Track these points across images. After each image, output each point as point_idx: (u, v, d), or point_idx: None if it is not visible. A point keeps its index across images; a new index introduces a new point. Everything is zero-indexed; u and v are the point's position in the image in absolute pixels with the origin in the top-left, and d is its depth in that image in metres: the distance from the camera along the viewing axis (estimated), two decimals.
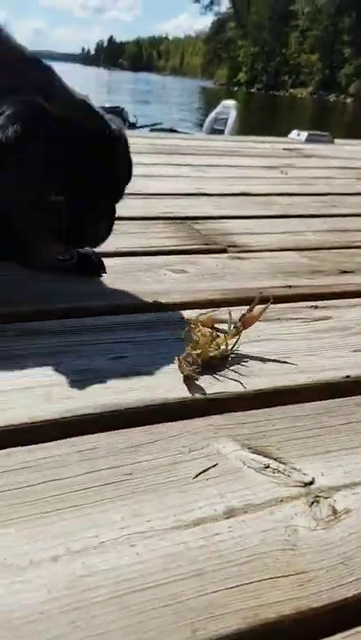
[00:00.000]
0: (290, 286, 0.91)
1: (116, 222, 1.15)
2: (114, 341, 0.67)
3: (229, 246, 1.09)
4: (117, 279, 0.87)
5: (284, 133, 3.28)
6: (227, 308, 0.78)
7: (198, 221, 1.24)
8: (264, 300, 0.69)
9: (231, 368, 0.63)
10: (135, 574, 0.37)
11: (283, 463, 0.49)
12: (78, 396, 0.56)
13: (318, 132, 3.06)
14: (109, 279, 0.86)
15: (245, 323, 0.67)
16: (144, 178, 1.63)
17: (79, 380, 0.58)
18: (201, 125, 8.36)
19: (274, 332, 0.73)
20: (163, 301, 0.80)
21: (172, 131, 9.44)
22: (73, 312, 0.74)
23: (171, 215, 1.26)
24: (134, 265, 0.93)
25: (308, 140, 2.99)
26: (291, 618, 0.36)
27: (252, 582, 0.38)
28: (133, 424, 0.53)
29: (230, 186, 1.65)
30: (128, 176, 0.81)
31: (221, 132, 7.75)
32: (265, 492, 0.46)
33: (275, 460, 0.50)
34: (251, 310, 0.68)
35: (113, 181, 0.75)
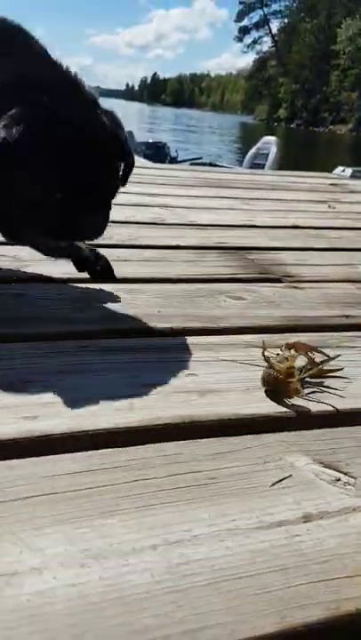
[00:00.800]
0: (347, 316, 0.94)
1: (173, 250, 1.21)
2: (184, 360, 0.72)
3: (284, 276, 1.13)
4: (180, 303, 0.92)
5: (325, 168, 3.33)
6: (284, 334, 0.82)
7: (252, 252, 1.28)
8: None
9: (303, 392, 0.67)
10: (227, 565, 0.41)
11: (352, 477, 0.53)
12: (158, 406, 0.60)
13: None
14: (172, 303, 0.91)
15: (321, 373, 0.70)
16: (194, 209, 1.70)
17: (156, 393, 0.63)
18: (241, 161, 8.50)
19: (337, 360, 0.77)
20: (223, 325, 0.85)
21: (211, 165, 9.61)
22: (145, 332, 0.79)
23: (225, 245, 1.31)
24: (194, 291, 0.98)
25: (354, 176, 3.04)
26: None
27: (333, 579, 0.41)
28: (209, 435, 0.57)
29: (280, 218, 1.71)
30: (130, 166, 0.81)
31: (262, 166, 7.87)
32: (338, 502, 0.49)
33: (344, 474, 0.53)
34: (322, 363, 0.71)
35: (109, 178, 0.77)
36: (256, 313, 0.92)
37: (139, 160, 4.33)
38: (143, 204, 1.70)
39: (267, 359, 0.66)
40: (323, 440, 0.58)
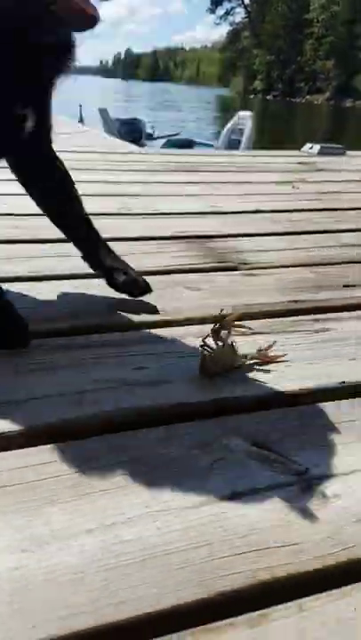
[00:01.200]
0: (296, 301, 0.99)
1: (136, 242, 1.24)
2: (138, 354, 0.76)
3: (241, 264, 1.18)
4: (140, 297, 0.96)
5: (302, 141, 3.36)
6: (240, 322, 0.87)
7: (213, 240, 1.33)
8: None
9: (242, 376, 0.72)
10: (156, 543, 0.46)
11: (282, 456, 0.58)
12: (105, 400, 0.65)
13: (331, 145, 3.14)
14: (122, 296, 0.96)
15: (262, 358, 0.75)
16: (162, 197, 1.73)
17: (105, 388, 0.68)
18: (218, 135, 8.49)
19: (280, 344, 0.82)
20: (180, 317, 0.89)
21: (189, 141, 9.56)
22: (100, 329, 0.83)
23: (187, 234, 1.35)
24: (154, 284, 1.02)
25: (321, 153, 3.07)
26: (283, 579, 0.44)
27: (252, 551, 0.46)
28: (154, 424, 0.62)
29: (244, 203, 1.74)
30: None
31: (238, 142, 7.86)
32: (264, 479, 0.54)
33: (275, 453, 0.58)
34: (268, 349, 0.76)
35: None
36: (211, 303, 0.96)
37: (114, 142, 4.22)
38: (111, 193, 1.73)
39: (203, 349, 0.71)
40: (258, 422, 0.63)
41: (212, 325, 0.80)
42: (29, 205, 0.95)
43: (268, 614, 0.41)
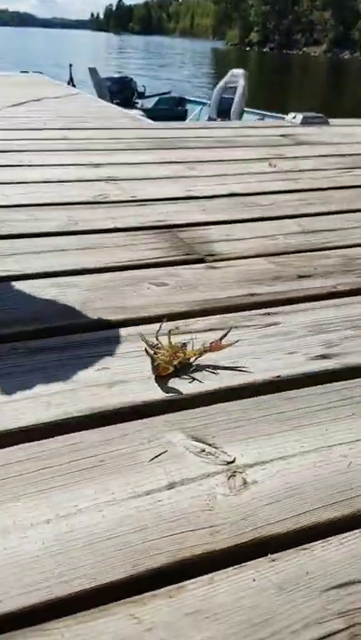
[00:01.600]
0: (252, 294, 1.08)
1: (110, 234, 1.32)
2: (101, 355, 0.86)
3: (207, 255, 1.26)
4: (107, 295, 1.05)
5: (298, 98, 3.36)
6: (194, 319, 0.96)
7: (184, 229, 1.40)
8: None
9: (189, 374, 0.81)
10: (100, 529, 0.56)
11: (215, 447, 0.68)
12: (70, 402, 0.75)
13: (313, 114, 3.16)
14: (99, 295, 1.05)
15: (213, 348, 0.84)
16: (138, 181, 1.79)
17: (71, 389, 0.77)
18: (212, 92, 8.38)
19: (228, 339, 0.91)
20: (143, 315, 0.98)
21: (181, 99, 9.43)
22: (67, 329, 0.92)
23: (159, 224, 1.43)
24: (121, 280, 1.11)
25: (305, 123, 3.10)
26: (201, 556, 0.55)
27: (179, 533, 0.57)
28: (112, 422, 0.72)
29: (219, 185, 1.81)
30: None
31: (230, 100, 7.79)
32: (198, 470, 0.65)
33: (209, 445, 0.68)
34: (221, 339, 0.85)
35: None
36: (175, 299, 1.05)
37: (103, 109, 4.14)
38: (88, 178, 1.80)
39: (150, 348, 0.80)
40: (199, 417, 0.73)
41: (173, 322, 0.90)
42: None
43: (184, 586, 0.52)
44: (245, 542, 0.56)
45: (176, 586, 0.52)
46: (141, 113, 8.58)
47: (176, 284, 1.11)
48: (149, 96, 9.68)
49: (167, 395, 0.77)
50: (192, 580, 0.52)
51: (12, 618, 0.48)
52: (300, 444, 0.69)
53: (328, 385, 0.81)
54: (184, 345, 0.84)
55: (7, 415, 0.72)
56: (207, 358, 0.85)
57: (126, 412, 0.74)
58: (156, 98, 9.64)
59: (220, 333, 0.88)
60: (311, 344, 0.91)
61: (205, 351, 0.85)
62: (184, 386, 0.79)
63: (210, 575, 0.53)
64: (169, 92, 9.75)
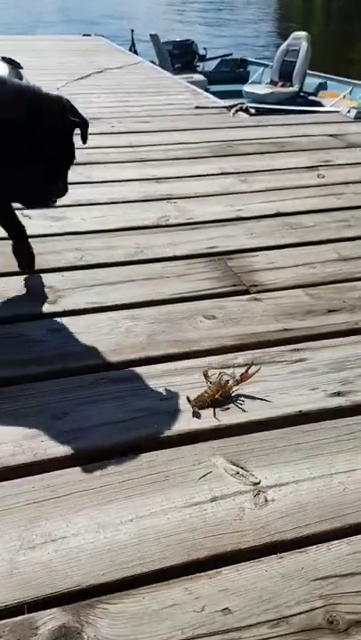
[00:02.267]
0: (285, 329, 1.32)
1: (169, 262, 1.56)
2: (162, 386, 1.13)
3: (251, 286, 1.50)
4: (167, 327, 1.31)
5: None
6: (234, 353, 1.22)
7: (233, 257, 1.64)
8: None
9: (227, 407, 1.07)
10: (164, 529, 0.84)
11: (246, 471, 0.94)
12: (141, 426, 1.02)
13: None
14: (161, 328, 1.30)
15: (242, 380, 1.10)
16: (195, 199, 2.02)
17: (140, 416, 1.05)
18: (274, 54, 8.29)
19: (263, 374, 1.16)
20: (197, 349, 1.24)
21: (243, 61, 9.37)
22: (139, 362, 1.19)
23: (212, 251, 1.66)
24: (178, 313, 1.36)
25: (358, 118, 3.21)
26: (232, 552, 0.82)
27: (217, 534, 0.84)
28: (166, 447, 0.99)
29: (266, 204, 2.02)
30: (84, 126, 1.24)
31: (293, 64, 7.75)
32: (233, 488, 0.91)
33: (242, 468, 0.95)
34: (247, 372, 1.11)
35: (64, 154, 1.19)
36: (220, 333, 1.30)
37: (165, 80, 4.25)
38: (150, 196, 2.04)
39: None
40: (236, 444, 0.99)
41: (218, 357, 1.16)
42: None
43: (220, 571, 0.79)
44: (262, 544, 0.83)
45: (214, 571, 0.79)
46: (202, 78, 8.62)
47: (223, 317, 1.36)
48: (211, 58, 9.63)
49: (209, 425, 1.04)
50: (225, 568, 0.79)
51: (111, 585, 0.77)
52: (311, 471, 0.95)
53: (339, 420, 1.06)
54: (227, 381, 1.10)
55: (97, 436, 1.00)
56: (243, 392, 1.11)
57: (176, 439, 1.01)
58: (218, 60, 9.59)
59: (254, 368, 1.13)
60: (330, 381, 1.15)
61: (237, 383, 1.10)
62: (223, 417, 1.05)
63: (236, 565, 0.80)
64: (230, 54, 9.67)
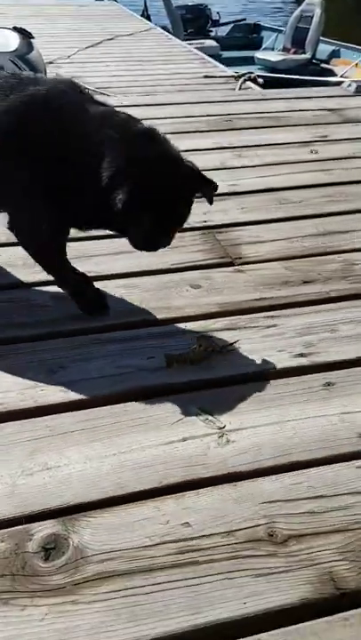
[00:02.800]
0: (262, 298, 1.47)
1: None
2: (148, 347, 1.29)
3: (237, 258, 1.65)
4: (158, 295, 1.47)
5: None
6: (215, 319, 1.37)
7: (222, 230, 1.78)
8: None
9: (203, 366, 1.24)
10: (143, 460, 1.02)
11: (214, 417, 1.11)
12: (129, 381, 1.19)
13: None
14: (154, 295, 1.46)
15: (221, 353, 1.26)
16: None
17: (128, 372, 1.22)
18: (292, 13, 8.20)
19: (236, 337, 1.32)
20: (182, 315, 1.40)
21: (256, 26, 9.27)
22: (129, 324, 1.36)
23: (204, 225, 1.81)
24: (168, 282, 1.52)
25: (359, 92, 3.28)
26: (196, 480, 0.99)
27: (185, 467, 1.01)
28: (153, 396, 1.16)
29: (260, 178, 2.15)
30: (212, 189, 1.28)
31: (306, 30, 7.69)
32: (201, 431, 1.08)
33: (211, 415, 1.11)
34: (229, 346, 1.27)
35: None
36: (204, 301, 1.46)
37: (174, 48, 4.31)
38: None
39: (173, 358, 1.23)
40: (207, 396, 1.16)
41: (202, 322, 1.32)
42: None
43: (184, 494, 0.96)
44: (221, 475, 1.00)
45: (180, 494, 0.97)
46: (214, 44, 8.55)
47: (208, 287, 1.51)
48: (224, 23, 9.53)
49: (190, 379, 1.20)
50: (188, 492, 0.97)
51: (94, 503, 0.95)
52: (268, 418, 1.12)
53: (299, 377, 1.22)
54: (207, 347, 1.26)
55: (89, 388, 1.17)
56: (218, 354, 1.27)
57: (161, 390, 1.18)
58: (231, 25, 9.48)
59: (230, 333, 1.30)
60: (296, 344, 1.31)
61: (215, 351, 1.26)
62: (199, 374, 1.22)
63: (198, 490, 0.97)
64: (244, 19, 9.57)
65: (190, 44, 7.67)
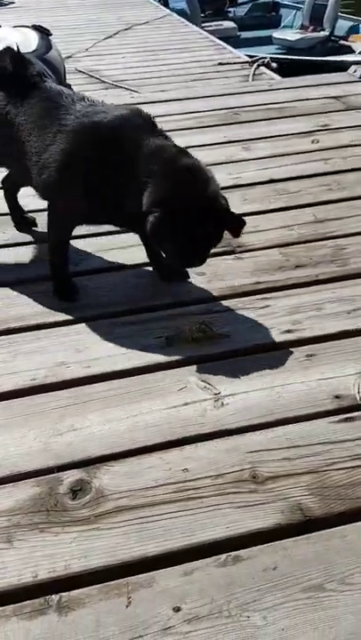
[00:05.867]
0: (258, 282, 1.67)
1: None
2: (157, 328, 1.50)
3: (237, 246, 1.84)
4: (165, 283, 1.67)
5: None
6: (216, 302, 1.58)
7: None
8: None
9: (202, 343, 1.44)
10: (153, 420, 1.24)
11: (211, 385, 1.32)
12: (137, 357, 1.41)
13: None
14: (161, 283, 1.67)
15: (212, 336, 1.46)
16: None
17: (142, 349, 1.43)
18: None
19: (235, 318, 1.52)
20: (186, 299, 1.61)
21: (275, 4, 9.28)
22: (145, 308, 1.57)
23: None
24: None
25: None
26: (194, 437, 1.21)
27: (185, 425, 1.23)
28: (160, 369, 1.37)
29: (264, 170, 2.32)
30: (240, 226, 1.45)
31: (323, 7, 7.73)
32: (200, 396, 1.30)
33: (208, 384, 1.33)
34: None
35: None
36: (207, 287, 1.66)
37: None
38: None
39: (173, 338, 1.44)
40: (206, 368, 1.37)
41: (200, 305, 1.52)
42: None
43: (184, 447, 1.18)
44: (215, 431, 1.22)
45: (180, 447, 1.18)
46: (232, 25, 8.60)
47: (211, 274, 1.71)
48: (242, 3, 9.55)
49: (188, 355, 1.41)
50: (187, 445, 1.19)
51: (112, 455, 1.17)
52: (258, 384, 1.32)
53: (285, 350, 1.42)
54: (204, 329, 1.46)
55: (106, 363, 1.39)
56: (217, 331, 1.47)
57: (165, 365, 1.39)
58: (250, 4, 9.50)
59: (229, 313, 1.50)
60: (285, 322, 1.51)
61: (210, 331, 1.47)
62: (199, 349, 1.43)
63: (195, 444, 1.19)
64: None
65: (208, 26, 7.72)
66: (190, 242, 1.39)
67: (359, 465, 1.12)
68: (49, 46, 4.80)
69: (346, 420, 1.22)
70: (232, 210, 1.46)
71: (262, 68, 4.60)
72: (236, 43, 6.89)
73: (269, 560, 0.98)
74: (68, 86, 2.49)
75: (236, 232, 1.45)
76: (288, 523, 1.03)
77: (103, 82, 4.52)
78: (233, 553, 0.99)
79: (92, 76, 4.69)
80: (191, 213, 1.36)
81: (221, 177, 2.28)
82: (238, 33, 8.12)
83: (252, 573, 0.96)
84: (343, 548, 0.99)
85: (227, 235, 1.88)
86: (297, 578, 0.95)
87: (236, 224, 1.45)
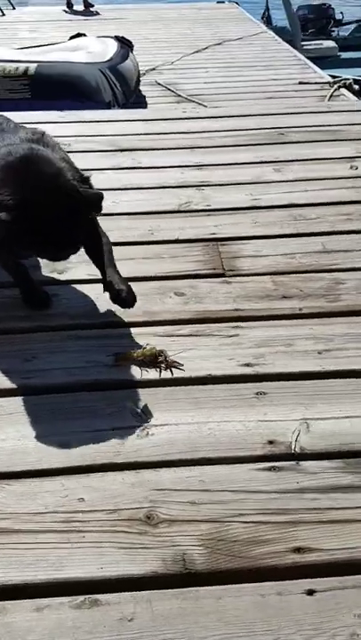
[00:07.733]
0: (236, 309, 1.58)
1: (172, 245, 1.84)
2: (112, 345, 1.45)
3: (228, 270, 1.76)
4: (142, 300, 1.62)
5: None
6: (185, 326, 1.51)
7: (226, 243, 1.89)
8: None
9: (150, 367, 1.37)
10: (66, 443, 1.19)
11: (143, 413, 1.25)
12: (79, 374, 1.36)
13: None
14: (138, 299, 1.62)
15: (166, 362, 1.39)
16: (223, 188, 2.26)
17: (87, 366, 1.39)
18: None
19: (197, 344, 1.44)
20: (158, 319, 1.55)
21: None
22: (105, 324, 1.53)
23: (210, 237, 1.92)
24: (157, 288, 1.67)
25: None
26: (106, 464, 1.15)
27: (105, 452, 1.17)
28: (96, 389, 1.32)
29: (287, 193, 2.21)
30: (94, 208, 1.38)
31: None
32: (128, 423, 1.23)
33: (141, 411, 1.26)
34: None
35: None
36: (182, 308, 1.59)
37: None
38: (184, 183, 2.30)
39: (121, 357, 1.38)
40: (145, 394, 1.30)
41: (167, 327, 1.46)
42: None
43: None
44: (131, 462, 1.15)
45: (86, 475, 1.12)
46: (333, 45, 8.43)
47: (191, 295, 1.64)
48: (347, 23, 9.39)
49: (132, 378, 1.35)
50: (95, 474, 1.13)
51: (15, 474, 1.13)
52: (193, 418, 1.24)
53: (236, 384, 1.33)
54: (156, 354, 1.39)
55: (49, 376, 1.36)
56: (173, 357, 1.40)
57: (110, 384, 1.34)
58: (355, 24, 9.33)
59: (194, 338, 1.43)
60: (247, 355, 1.41)
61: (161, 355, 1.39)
62: (146, 374, 1.36)
63: (103, 472, 1.13)
64: None
65: (308, 45, 7.61)
66: (48, 231, 1.31)
67: (265, 521, 1.02)
68: (125, 57, 4.89)
69: (270, 469, 1.12)
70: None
71: (342, 90, 4.47)
72: (335, 63, 6.72)
73: (128, 610, 0.90)
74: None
75: (97, 207, 1.38)
76: (165, 573, 0.95)
77: (178, 95, 4.55)
78: (93, 596, 0.92)
79: (168, 89, 4.74)
80: (40, 204, 1.29)
81: (240, 198, 2.23)
82: (339, 53, 7.96)
83: (105, 621, 0.88)
84: (213, 611, 0.89)
85: (221, 257, 1.82)
86: (152, 634, 0.87)
87: (92, 200, 1.37)
